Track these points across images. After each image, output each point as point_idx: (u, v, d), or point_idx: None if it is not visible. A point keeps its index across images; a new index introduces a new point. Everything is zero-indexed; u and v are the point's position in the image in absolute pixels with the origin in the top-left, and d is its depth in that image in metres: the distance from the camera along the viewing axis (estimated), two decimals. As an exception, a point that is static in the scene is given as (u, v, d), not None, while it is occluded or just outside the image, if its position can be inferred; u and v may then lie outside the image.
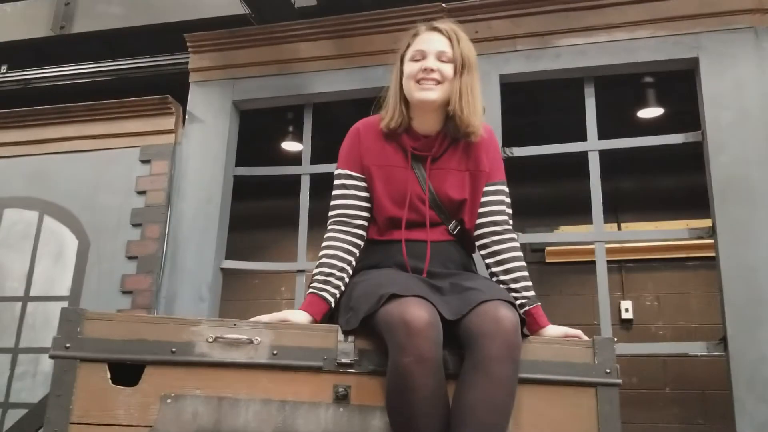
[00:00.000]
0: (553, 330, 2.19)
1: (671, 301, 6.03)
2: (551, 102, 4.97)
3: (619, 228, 5.96)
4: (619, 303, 6.03)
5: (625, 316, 6.01)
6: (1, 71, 4.93)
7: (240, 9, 4.18)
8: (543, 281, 5.87)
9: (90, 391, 2.04)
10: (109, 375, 2.05)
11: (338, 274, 2.22)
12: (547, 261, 6.12)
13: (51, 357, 2.05)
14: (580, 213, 5.26)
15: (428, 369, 1.87)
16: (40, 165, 4.26)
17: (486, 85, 3.70)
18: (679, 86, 4.54)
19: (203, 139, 4.10)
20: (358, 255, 2.30)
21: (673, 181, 6.02)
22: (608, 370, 2.06)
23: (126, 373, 2.06)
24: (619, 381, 2.07)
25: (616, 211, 5.89)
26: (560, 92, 4.51)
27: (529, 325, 2.19)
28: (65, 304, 3.86)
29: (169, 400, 2.03)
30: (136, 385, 2.04)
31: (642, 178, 6.12)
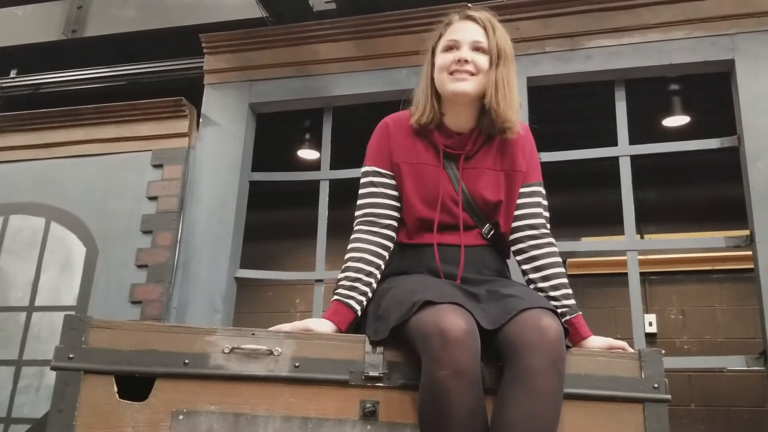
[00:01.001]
0: (595, 341, 2.04)
1: (696, 314, 5.92)
2: (576, 110, 4.85)
3: (643, 240, 5.83)
4: (643, 316, 5.85)
5: (648, 330, 5.87)
6: (11, 75, 4.86)
7: (257, 12, 4.10)
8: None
9: (95, 405, 1.88)
10: (116, 388, 1.90)
11: (365, 279, 2.06)
12: (568, 273, 5.97)
13: (53, 368, 1.89)
14: (603, 224, 5.16)
15: (466, 383, 1.70)
16: (47, 170, 4.15)
17: (513, 87, 3.59)
18: (704, 94, 4.42)
19: (218, 143, 3.99)
20: (387, 258, 2.15)
21: (698, 192, 5.94)
22: (656, 385, 1.91)
23: (134, 387, 1.91)
24: (668, 397, 1.92)
25: (639, 223, 5.74)
26: (585, 99, 4.39)
27: (570, 335, 2.04)
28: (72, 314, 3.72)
29: (181, 417, 1.87)
30: (146, 399, 1.89)
31: (665, 190, 6.02)
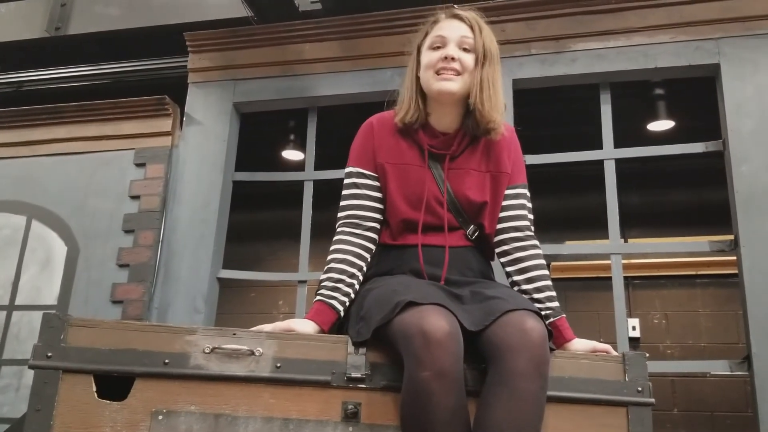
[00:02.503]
0: (579, 344, 2.03)
1: (679, 319, 5.94)
2: (560, 113, 4.85)
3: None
4: (626, 321, 5.87)
5: (632, 334, 5.88)
6: (-6, 72, 4.80)
7: (242, 11, 4.07)
8: (548, 297, 5.73)
9: (73, 405, 1.85)
10: (94, 388, 1.86)
11: (348, 280, 2.05)
12: (552, 277, 5.97)
13: (30, 367, 1.86)
14: (587, 228, 5.16)
15: (448, 384, 1.68)
16: (29, 167, 4.09)
17: (499, 89, 3.57)
18: (690, 98, 4.43)
19: (202, 142, 3.94)
20: (369, 260, 2.13)
21: (681, 197, 5.96)
22: (640, 389, 1.89)
23: (113, 386, 1.87)
24: (652, 400, 1.90)
25: (623, 227, 5.75)
26: (570, 104, 4.39)
27: (554, 338, 2.01)
28: (52, 313, 3.67)
29: (160, 417, 1.84)
30: (125, 399, 1.86)
31: (649, 193, 6.04)
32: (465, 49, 2.12)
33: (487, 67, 2.12)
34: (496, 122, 2.10)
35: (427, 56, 2.14)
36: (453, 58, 2.09)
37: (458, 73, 2.09)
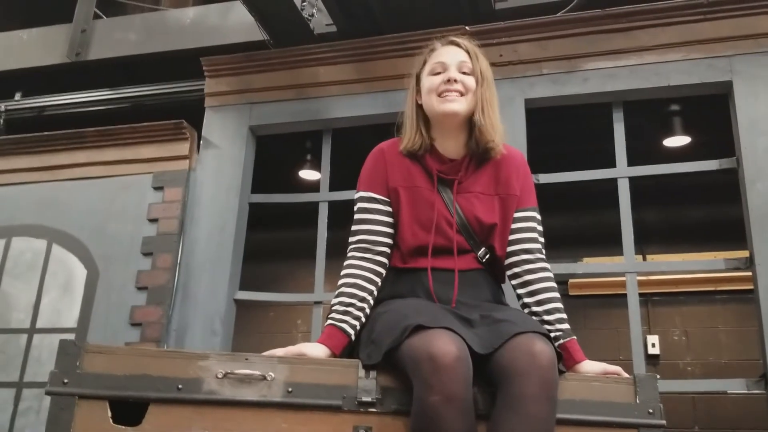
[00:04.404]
0: (590, 366, 2.03)
1: (700, 336, 5.86)
2: (575, 131, 4.85)
3: (645, 260, 5.80)
4: (646, 338, 5.84)
5: (651, 351, 5.83)
6: (16, 98, 4.88)
7: (258, 35, 4.13)
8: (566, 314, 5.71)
9: (89, 430, 1.88)
10: (110, 413, 1.89)
11: (359, 304, 2.07)
12: (570, 293, 5.97)
13: (47, 393, 1.89)
14: (604, 245, 5.14)
15: (457, 409, 1.69)
16: (50, 192, 4.16)
17: (511, 109, 3.60)
18: (706, 114, 4.41)
19: (218, 166, 3.99)
20: (380, 284, 2.15)
21: (699, 213, 5.90)
22: (651, 410, 1.89)
23: (128, 412, 1.90)
24: (664, 422, 1.90)
25: (640, 244, 5.72)
26: (584, 121, 4.39)
27: (564, 360, 2.01)
28: (72, 336, 3.72)
29: (174, 442, 1.87)
30: (139, 424, 1.89)
31: (667, 210, 5.99)
32: (464, 73, 2.19)
33: (485, 88, 2.19)
34: (495, 141, 2.17)
35: (429, 81, 2.20)
36: (455, 80, 2.15)
37: (461, 94, 2.15)
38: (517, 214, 2.20)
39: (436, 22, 3.59)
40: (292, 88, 4.05)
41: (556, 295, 2.15)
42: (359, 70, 3.95)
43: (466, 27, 3.71)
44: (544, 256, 2.21)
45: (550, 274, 2.18)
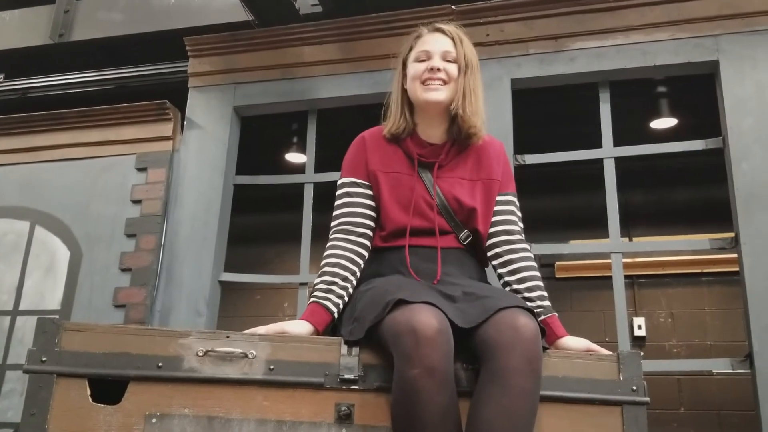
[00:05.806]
0: (572, 342, 2.04)
1: (685, 318, 5.90)
2: (561, 112, 4.84)
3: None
4: (632, 320, 5.87)
5: (637, 333, 5.88)
6: (-1, 80, 4.82)
7: (243, 15, 4.08)
8: (552, 297, 5.65)
9: (68, 409, 1.86)
10: (89, 392, 1.88)
11: (342, 283, 2.08)
12: (557, 276, 5.99)
13: (25, 371, 1.87)
14: (591, 227, 5.14)
15: (438, 382, 1.69)
16: (32, 173, 4.12)
17: (497, 89, 3.58)
18: (691, 98, 4.41)
19: (202, 146, 3.96)
20: (362, 266, 2.17)
21: (685, 195, 5.93)
22: (635, 388, 1.89)
23: (108, 390, 1.88)
24: (647, 399, 1.90)
25: (627, 226, 5.75)
26: (572, 103, 4.38)
27: (546, 335, 2.02)
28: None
29: (154, 420, 1.85)
30: (119, 403, 1.87)
31: (653, 191, 6.02)
32: (448, 61, 2.22)
33: (468, 75, 2.22)
34: (477, 127, 2.20)
35: (414, 68, 2.24)
36: (438, 69, 2.19)
37: (444, 83, 2.19)
38: (498, 198, 2.25)
39: (422, 1, 3.56)
40: (277, 68, 4.01)
41: (537, 273, 2.17)
42: (345, 50, 3.93)
43: (453, 6, 3.69)
44: (523, 239, 2.25)
45: (531, 255, 2.22)
